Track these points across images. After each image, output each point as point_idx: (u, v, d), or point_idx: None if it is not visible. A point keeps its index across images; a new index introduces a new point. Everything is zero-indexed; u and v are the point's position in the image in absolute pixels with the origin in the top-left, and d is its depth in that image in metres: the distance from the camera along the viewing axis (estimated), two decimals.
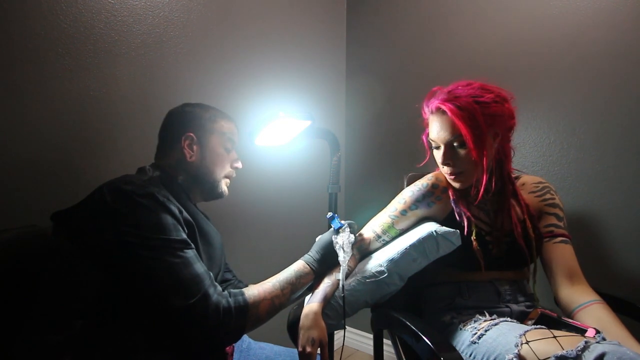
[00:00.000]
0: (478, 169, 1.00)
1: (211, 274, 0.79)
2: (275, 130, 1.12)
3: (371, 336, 1.24)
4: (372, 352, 1.21)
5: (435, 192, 1.08)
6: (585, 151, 1.39)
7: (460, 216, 1.05)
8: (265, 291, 0.84)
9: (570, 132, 1.41)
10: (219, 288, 0.78)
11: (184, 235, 0.79)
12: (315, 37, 1.85)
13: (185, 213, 0.84)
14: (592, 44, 1.36)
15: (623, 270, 1.33)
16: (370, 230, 1.11)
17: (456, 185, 1.04)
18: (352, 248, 0.98)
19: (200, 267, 0.77)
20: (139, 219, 0.74)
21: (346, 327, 0.99)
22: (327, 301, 0.95)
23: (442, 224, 1.07)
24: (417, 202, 1.08)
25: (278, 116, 1.05)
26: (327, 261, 0.97)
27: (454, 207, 1.07)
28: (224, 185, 1.01)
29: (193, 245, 0.80)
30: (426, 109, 1.04)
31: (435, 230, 0.96)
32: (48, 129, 1.06)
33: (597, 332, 0.83)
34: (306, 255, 0.96)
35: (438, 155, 1.03)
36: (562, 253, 1.03)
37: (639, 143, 1.30)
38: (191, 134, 0.95)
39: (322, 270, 0.96)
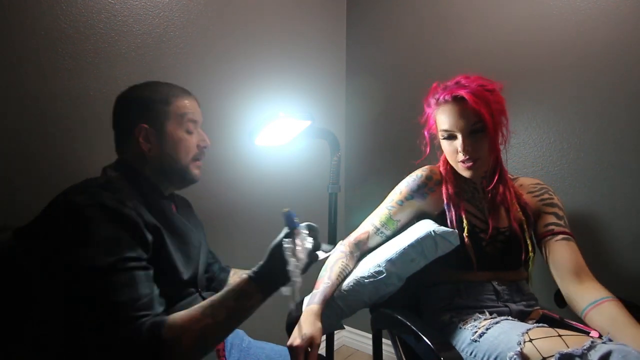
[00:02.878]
0: (492, 156, 1.01)
1: (146, 297, 0.70)
2: (275, 130, 1.12)
3: (371, 336, 1.24)
4: (371, 352, 1.21)
5: (428, 183, 1.09)
6: (585, 151, 1.39)
7: (450, 213, 1.05)
8: (191, 320, 0.70)
9: (570, 132, 1.41)
10: (141, 320, 0.67)
11: (127, 254, 0.70)
12: (315, 37, 1.85)
13: (147, 216, 0.77)
14: (592, 44, 1.36)
15: (624, 271, 1.33)
16: (369, 224, 1.12)
17: (469, 174, 1.02)
18: (310, 257, 0.78)
19: (124, 294, 0.67)
20: (78, 238, 0.69)
21: (345, 327, 0.99)
22: (326, 302, 0.95)
23: (436, 217, 1.08)
24: (413, 191, 1.09)
25: (278, 116, 1.05)
26: (276, 274, 0.76)
27: (445, 206, 1.07)
28: (194, 169, 0.92)
29: (133, 265, 0.71)
30: (433, 101, 1.05)
31: (433, 230, 0.96)
32: (48, 128, 1.06)
33: (600, 334, 0.83)
34: (250, 270, 0.79)
35: (450, 145, 1.02)
36: (566, 251, 1.01)
37: (639, 143, 1.30)
38: (144, 125, 0.85)
39: (270, 287, 0.77)
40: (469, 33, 1.62)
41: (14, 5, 0.98)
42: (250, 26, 1.55)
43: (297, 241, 0.76)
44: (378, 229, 1.10)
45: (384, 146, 1.91)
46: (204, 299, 0.90)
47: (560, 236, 1.03)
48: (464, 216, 1.05)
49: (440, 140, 1.06)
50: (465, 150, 0.99)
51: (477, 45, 1.60)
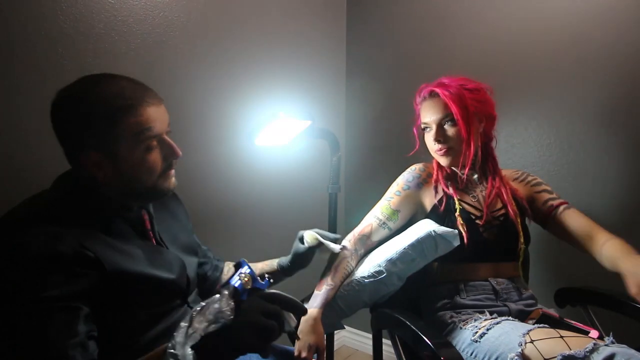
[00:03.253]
0: (465, 145, 1.08)
1: (66, 344, 0.60)
2: (275, 130, 1.12)
3: (371, 336, 1.24)
4: (371, 352, 1.21)
5: (422, 174, 1.17)
6: (585, 151, 1.39)
7: (442, 195, 1.11)
8: None
9: (570, 132, 1.41)
10: None
11: (53, 292, 0.61)
12: (315, 37, 1.85)
13: (89, 251, 0.66)
14: (592, 43, 1.36)
15: None
16: (371, 216, 1.15)
17: (444, 161, 1.11)
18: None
19: (37, 340, 0.59)
20: (0, 281, 0.61)
21: (345, 327, 0.99)
22: (326, 305, 0.95)
23: (433, 208, 1.11)
24: (408, 182, 1.16)
25: (278, 116, 1.05)
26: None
27: (441, 185, 1.12)
28: (163, 184, 0.78)
29: (64, 299, 0.62)
30: (418, 99, 1.15)
31: (433, 230, 0.96)
32: (48, 128, 1.06)
33: (600, 333, 0.84)
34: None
35: (429, 137, 1.11)
36: (571, 219, 1.07)
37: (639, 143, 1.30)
38: (92, 152, 0.71)
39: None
40: (468, 33, 1.62)
41: (14, 6, 0.98)
42: (250, 26, 1.55)
43: (216, 302, 0.58)
44: (381, 220, 1.12)
45: (384, 146, 1.91)
46: (191, 308, 0.89)
47: (562, 207, 1.10)
48: (456, 199, 1.09)
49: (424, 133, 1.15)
50: (436, 140, 1.09)
51: (476, 46, 1.60)
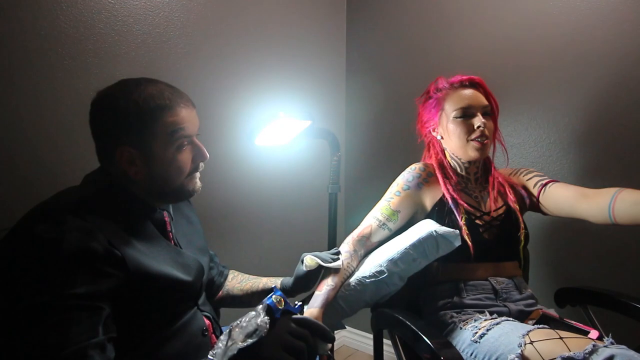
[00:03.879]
0: (493, 142, 1.11)
1: (86, 344, 0.61)
2: (275, 130, 1.12)
3: (371, 336, 1.24)
4: (372, 352, 1.21)
5: (422, 174, 1.15)
6: (585, 151, 1.39)
7: (442, 195, 1.11)
8: None
9: (570, 132, 1.41)
10: None
11: (79, 289, 0.62)
12: (315, 37, 1.85)
13: (121, 245, 0.69)
14: (592, 43, 1.36)
15: (623, 270, 1.33)
16: (371, 217, 1.13)
17: (478, 154, 1.08)
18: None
19: (56, 337, 0.59)
20: (22, 272, 0.62)
21: (346, 327, 0.99)
22: (327, 305, 0.95)
23: (432, 208, 1.11)
24: (408, 182, 1.14)
25: (278, 116, 1.05)
26: None
27: (446, 197, 1.10)
28: (189, 185, 0.82)
29: (90, 297, 0.64)
30: (445, 85, 1.13)
31: (435, 230, 0.96)
32: (48, 129, 1.06)
33: (600, 333, 0.83)
34: None
35: (463, 124, 1.08)
36: (562, 189, 1.06)
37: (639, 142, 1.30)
38: (127, 148, 0.74)
39: None
40: (468, 33, 1.62)
41: (14, 6, 0.98)
42: (250, 26, 1.55)
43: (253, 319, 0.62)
44: (380, 221, 1.11)
45: (384, 146, 1.91)
46: (202, 312, 0.89)
47: (551, 183, 1.10)
48: (461, 204, 1.09)
49: (449, 125, 1.11)
50: (483, 125, 1.05)
51: (477, 45, 1.60)
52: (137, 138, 0.74)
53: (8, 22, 0.97)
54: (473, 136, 1.07)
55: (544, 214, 1.13)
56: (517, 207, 1.12)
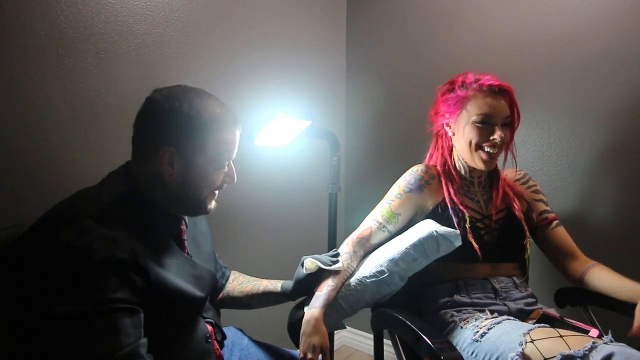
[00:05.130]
0: (500, 150, 1.09)
1: (136, 344, 0.64)
2: (275, 130, 1.12)
3: (371, 336, 1.24)
4: (372, 352, 1.21)
5: (424, 176, 1.13)
6: (585, 151, 1.39)
7: (452, 206, 1.09)
8: None
9: (570, 132, 1.41)
10: None
11: (118, 294, 0.64)
12: (315, 37, 1.85)
13: (143, 255, 0.70)
14: (592, 43, 1.36)
15: (622, 270, 1.33)
16: (371, 219, 1.13)
17: (486, 165, 1.07)
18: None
19: (110, 339, 0.62)
20: (55, 280, 0.62)
21: (346, 327, 1.00)
22: (327, 305, 0.95)
23: (433, 211, 1.10)
24: (410, 184, 1.13)
25: (278, 116, 1.05)
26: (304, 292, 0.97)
27: (447, 202, 1.09)
28: (209, 202, 0.83)
29: (128, 301, 0.65)
30: (473, 84, 1.07)
31: (435, 230, 0.96)
32: (48, 129, 1.06)
33: (600, 332, 0.84)
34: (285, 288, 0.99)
35: (481, 131, 1.05)
36: (561, 235, 1.14)
37: (639, 143, 1.30)
38: (171, 149, 0.74)
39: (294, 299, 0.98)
40: (469, 33, 1.62)
41: (14, 6, 0.98)
42: (250, 26, 1.55)
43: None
44: (380, 224, 1.11)
45: (384, 146, 1.91)
46: (204, 318, 0.90)
47: (554, 222, 1.15)
48: (465, 211, 1.08)
49: (466, 126, 1.07)
50: (499, 139, 1.03)
51: (477, 45, 1.60)
52: (186, 143, 0.74)
53: (8, 22, 0.97)
54: (485, 145, 1.05)
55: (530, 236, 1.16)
56: (522, 215, 1.12)
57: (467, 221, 1.06)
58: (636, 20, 1.28)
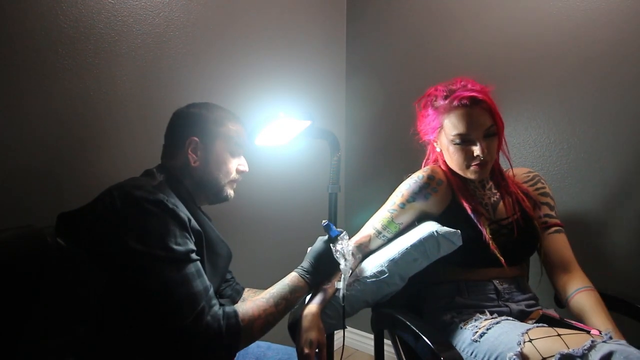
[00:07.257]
0: (497, 157, 1.06)
1: (211, 289, 0.77)
2: (275, 130, 1.12)
3: (371, 336, 1.24)
4: (372, 352, 1.21)
5: (431, 183, 1.07)
6: (585, 151, 1.39)
7: (451, 203, 1.08)
8: (259, 308, 0.80)
9: (570, 132, 1.41)
10: (215, 308, 0.75)
11: (191, 246, 0.77)
12: (316, 37, 1.85)
13: (193, 221, 0.82)
14: (592, 43, 1.36)
15: (622, 270, 1.33)
16: (370, 227, 1.12)
17: (477, 176, 1.04)
18: (352, 256, 0.94)
19: (199, 284, 0.75)
20: (146, 227, 0.73)
21: (346, 327, 1.00)
22: (326, 302, 0.95)
23: (440, 217, 1.08)
24: (415, 194, 1.07)
25: (278, 116, 1.05)
26: (322, 272, 0.94)
27: (451, 193, 1.08)
28: (229, 190, 0.98)
29: (198, 257, 0.79)
30: (442, 106, 1.02)
31: (436, 231, 0.96)
32: (48, 129, 1.06)
33: (601, 333, 0.83)
34: (299, 268, 0.93)
35: (462, 150, 1.01)
36: (557, 243, 1.08)
37: (639, 143, 1.30)
38: (195, 138, 0.92)
39: (316, 282, 0.94)
40: (468, 34, 1.62)
41: (14, 6, 0.98)
42: (250, 26, 1.55)
43: (343, 245, 0.91)
44: (379, 232, 1.10)
45: (384, 146, 1.90)
46: None
47: (554, 228, 1.09)
48: (482, 212, 1.05)
49: (449, 146, 1.04)
50: (483, 154, 0.98)
51: (477, 45, 1.60)
52: (205, 131, 0.93)
53: (8, 22, 0.97)
54: (472, 163, 1.02)
55: None
56: (530, 217, 1.08)
57: (488, 230, 1.02)
58: (637, 21, 1.28)
